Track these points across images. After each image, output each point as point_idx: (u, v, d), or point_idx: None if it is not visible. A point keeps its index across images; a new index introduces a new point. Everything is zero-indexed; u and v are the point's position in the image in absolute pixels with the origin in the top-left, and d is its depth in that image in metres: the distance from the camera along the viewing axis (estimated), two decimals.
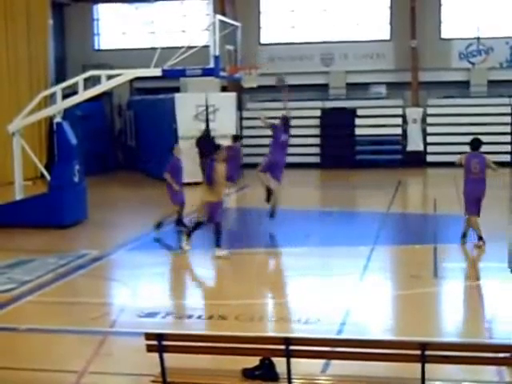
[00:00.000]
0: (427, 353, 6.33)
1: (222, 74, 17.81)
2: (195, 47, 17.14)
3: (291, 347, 6.85)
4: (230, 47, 17.99)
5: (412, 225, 17.97)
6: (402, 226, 17.89)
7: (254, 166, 28.73)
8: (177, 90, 26.52)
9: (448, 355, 6.42)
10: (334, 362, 7.78)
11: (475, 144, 14.54)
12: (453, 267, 13.35)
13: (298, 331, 9.46)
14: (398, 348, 6.58)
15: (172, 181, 15.90)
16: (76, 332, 9.77)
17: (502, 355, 6.43)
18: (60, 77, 28.37)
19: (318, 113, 30.49)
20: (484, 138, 27.76)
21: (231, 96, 26.40)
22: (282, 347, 6.88)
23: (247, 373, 7.21)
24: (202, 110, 25.17)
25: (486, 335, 9.45)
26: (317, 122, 30.43)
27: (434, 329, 9.85)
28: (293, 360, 6.82)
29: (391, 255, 14.82)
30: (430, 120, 29.91)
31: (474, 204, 14.21)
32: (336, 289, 12.04)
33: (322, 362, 7.90)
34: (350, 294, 11.53)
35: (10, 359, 8.86)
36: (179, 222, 16.34)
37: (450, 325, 10.27)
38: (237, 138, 22.46)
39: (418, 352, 6.34)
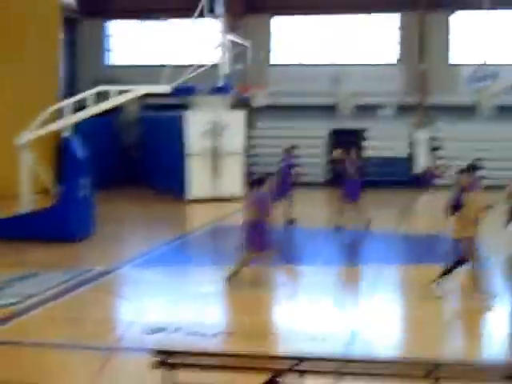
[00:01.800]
0: (438, 373, 6.28)
1: (231, 92, 17.85)
2: (206, 65, 17.20)
3: (301, 366, 6.80)
4: (239, 66, 18.06)
5: (420, 245, 17.88)
6: (409, 246, 17.83)
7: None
8: (186, 107, 26.57)
9: (458, 375, 6.37)
10: (344, 380, 7.70)
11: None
12: (461, 287, 13.27)
13: (307, 348, 9.38)
14: (410, 367, 6.53)
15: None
16: (82, 347, 9.71)
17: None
18: (70, 92, 28.42)
19: (325, 133, 30.52)
20: (491, 163, 27.94)
21: (240, 114, 26.43)
22: (292, 365, 6.82)
23: None
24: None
25: (495, 354, 9.37)
26: (324, 142, 30.46)
27: (442, 348, 9.79)
28: (302, 379, 6.76)
29: (399, 275, 14.77)
30: (437, 143, 29.90)
31: None
32: (345, 306, 11.98)
33: (331, 381, 7.82)
34: (359, 312, 11.46)
35: (15, 373, 8.79)
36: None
37: (459, 344, 10.21)
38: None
39: (430, 371, 6.29)
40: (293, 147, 20.24)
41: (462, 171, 13.05)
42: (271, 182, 13.14)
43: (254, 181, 13.39)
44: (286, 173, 19.59)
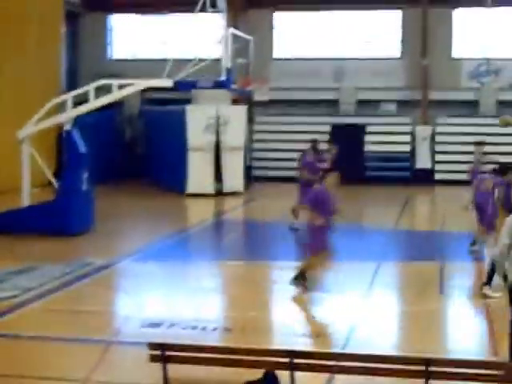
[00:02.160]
0: (431, 369, 6.30)
1: (233, 86, 17.86)
2: (207, 59, 17.21)
3: (295, 360, 6.83)
4: (242, 60, 18.06)
5: (419, 242, 17.89)
6: (409, 243, 17.84)
7: (262, 178, 29.07)
8: (188, 101, 26.58)
9: (451, 372, 6.40)
10: (337, 376, 7.73)
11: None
12: (459, 284, 13.30)
13: (303, 345, 9.41)
14: (402, 364, 6.56)
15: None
16: (79, 341, 9.74)
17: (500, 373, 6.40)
18: (72, 86, 28.42)
19: (327, 128, 30.50)
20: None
21: (242, 109, 26.44)
22: (286, 360, 6.85)
23: None
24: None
25: (490, 353, 9.40)
26: (326, 137, 30.42)
27: (438, 345, 9.81)
28: (297, 374, 6.79)
29: (398, 271, 14.79)
30: (438, 138, 29.90)
31: None
32: (342, 303, 12.00)
33: (326, 376, 7.85)
34: (356, 308, 11.49)
35: (12, 367, 8.82)
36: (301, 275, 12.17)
37: (455, 342, 10.23)
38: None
39: (422, 368, 6.32)
40: (316, 141, 20.21)
41: (507, 168, 12.44)
42: (334, 178, 12.30)
43: (319, 177, 12.65)
44: (311, 167, 19.29)
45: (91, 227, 17.48)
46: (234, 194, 24.68)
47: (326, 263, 12.20)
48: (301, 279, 12.04)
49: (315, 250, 11.95)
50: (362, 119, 30.51)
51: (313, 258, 12.03)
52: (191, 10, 17.91)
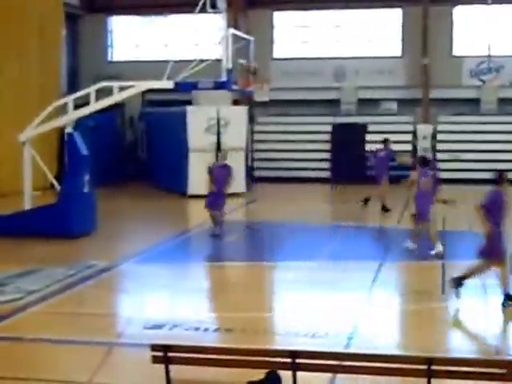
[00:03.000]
0: (433, 368, 6.31)
1: (234, 87, 17.87)
2: (208, 60, 17.23)
3: (297, 360, 6.83)
4: (242, 61, 18.06)
5: (421, 241, 17.84)
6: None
7: (263, 179, 29.10)
8: (189, 102, 26.61)
9: (454, 370, 6.40)
10: (340, 375, 7.74)
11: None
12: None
13: (305, 345, 9.40)
14: (405, 363, 6.56)
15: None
16: (82, 343, 9.75)
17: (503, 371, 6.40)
18: (72, 88, 28.47)
19: (329, 128, 30.53)
20: (493, 156, 28.00)
21: (242, 109, 26.45)
22: (289, 360, 6.85)
23: None
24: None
25: (492, 351, 9.40)
26: (328, 137, 30.47)
27: (441, 344, 9.81)
28: (299, 374, 6.79)
29: (400, 270, 14.79)
30: (440, 137, 29.90)
31: None
32: (344, 303, 12.00)
33: (328, 376, 7.86)
34: (358, 308, 11.49)
35: (15, 369, 8.82)
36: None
37: (458, 341, 10.23)
38: None
39: (424, 367, 6.32)
40: (387, 140, 21.59)
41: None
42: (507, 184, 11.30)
43: (494, 179, 11.63)
44: (382, 162, 21.41)
45: (93, 229, 17.50)
46: (235, 194, 24.65)
47: (493, 269, 11.47)
48: (459, 283, 11.42)
49: (488, 254, 11.21)
50: (363, 118, 30.54)
51: (484, 262, 11.30)
52: (191, 11, 17.91)
